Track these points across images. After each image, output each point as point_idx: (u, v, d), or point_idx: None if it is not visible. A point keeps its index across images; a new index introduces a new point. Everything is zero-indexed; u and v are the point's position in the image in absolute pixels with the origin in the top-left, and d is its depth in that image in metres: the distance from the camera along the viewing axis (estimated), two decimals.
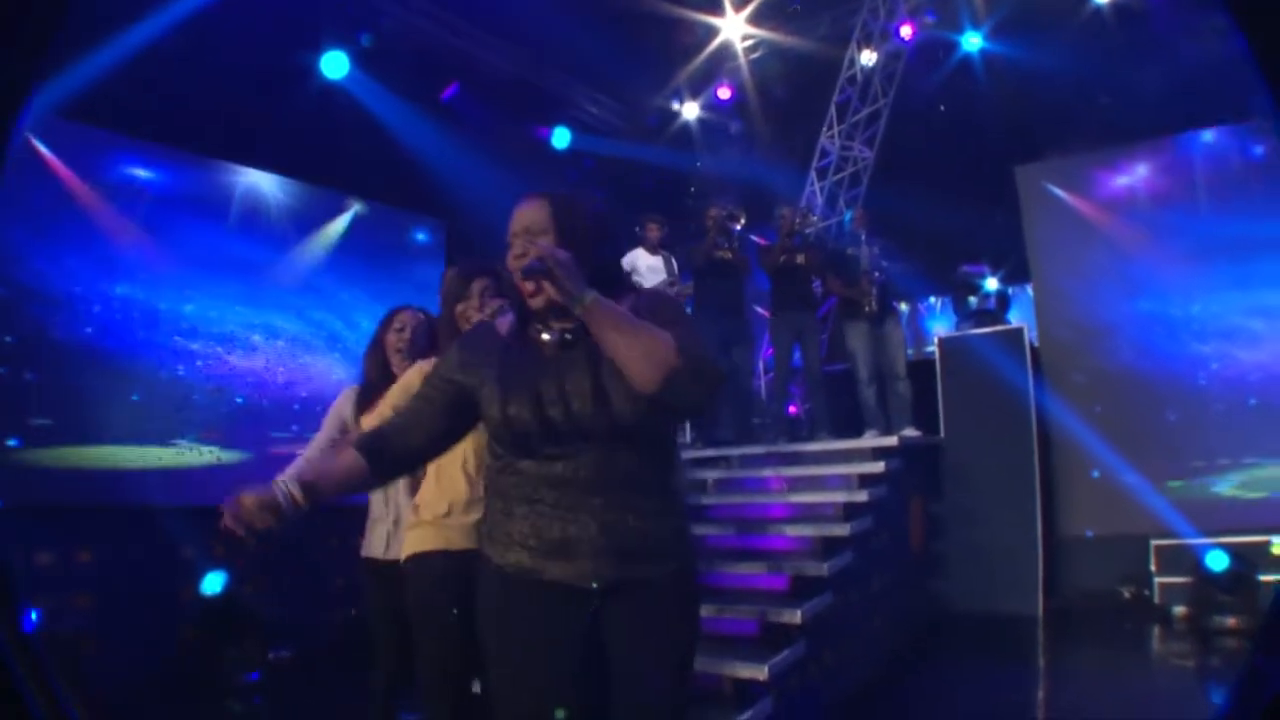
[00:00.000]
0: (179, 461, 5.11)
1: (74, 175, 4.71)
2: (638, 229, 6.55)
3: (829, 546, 4.48)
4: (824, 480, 5.22)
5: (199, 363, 5.31)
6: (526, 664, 1.62)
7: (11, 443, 4.36)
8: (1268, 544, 5.63)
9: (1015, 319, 7.17)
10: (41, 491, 4.41)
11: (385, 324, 3.07)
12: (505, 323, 1.78)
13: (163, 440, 5.05)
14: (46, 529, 4.35)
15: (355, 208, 6.28)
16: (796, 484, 5.26)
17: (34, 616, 4.11)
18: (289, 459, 5.27)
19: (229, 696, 4.55)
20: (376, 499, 2.94)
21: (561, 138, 8.50)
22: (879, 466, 5.06)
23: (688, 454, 5.83)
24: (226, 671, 4.63)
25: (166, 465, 5.04)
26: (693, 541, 1.79)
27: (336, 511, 2.74)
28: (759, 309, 7.30)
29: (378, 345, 3.04)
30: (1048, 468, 6.42)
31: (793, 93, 8.25)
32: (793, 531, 4.66)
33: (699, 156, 9.08)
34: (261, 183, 5.76)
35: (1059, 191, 6.88)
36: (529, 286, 1.63)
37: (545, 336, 1.69)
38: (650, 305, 1.70)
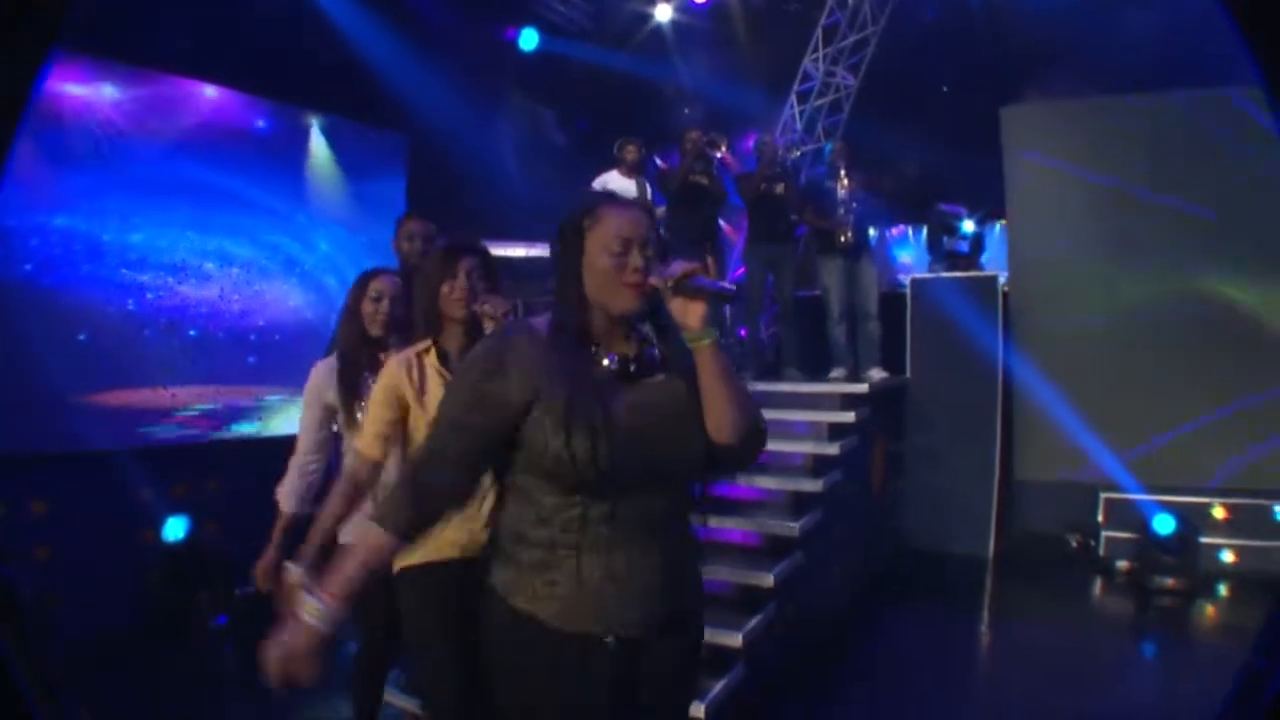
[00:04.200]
0: (131, 401, 4.99)
1: None
2: (615, 150, 6.40)
3: (799, 502, 4.64)
4: (793, 426, 5.32)
5: (149, 295, 5.10)
6: (550, 699, 1.57)
7: None
8: (1209, 506, 5.98)
9: (989, 258, 7.27)
10: None
11: (359, 291, 2.87)
12: (541, 329, 1.60)
13: (113, 380, 4.90)
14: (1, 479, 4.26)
15: (313, 122, 5.95)
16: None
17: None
18: (246, 407, 5.22)
19: (198, 642, 4.63)
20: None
21: (529, 39, 8.09)
22: (849, 416, 5.17)
23: None
24: (194, 616, 4.70)
25: (119, 406, 4.91)
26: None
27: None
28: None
29: (354, 316, 2.85)
30: (1009, 411, 6.66)
31: (774, 3, 7.93)
32: (763, 483, 4.79)
33: (672, 65, 8.74)
34: (212, 98, 5.39)
35: (1042, 135, 6.83)
36: (641, 303, 1.54)
37: (605, 362, 1.57)
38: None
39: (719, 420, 1.55)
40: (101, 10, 4.51)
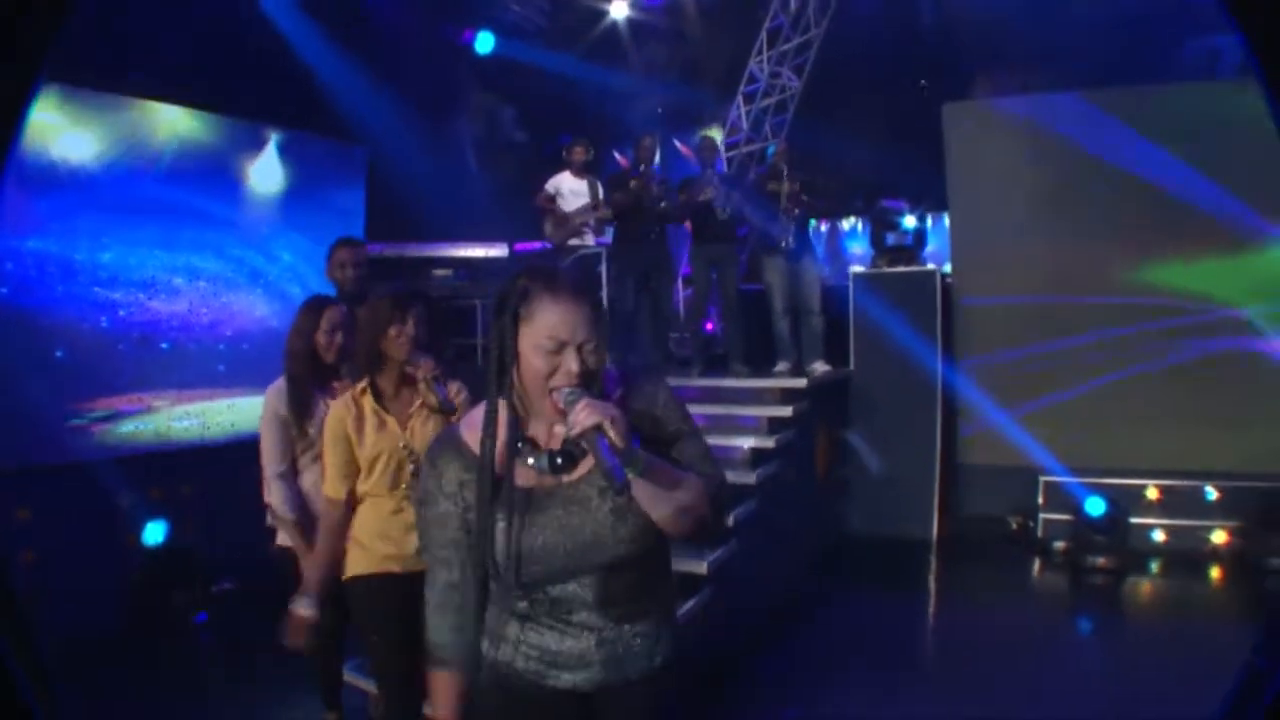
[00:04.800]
0: (109, 412, 5.31)
1: None
2: (564, 151, 6.73)
3: (737, 494, 5.03)
4: (738, 420, 5.71)
5: (121, 311, 5.41)
6: None
7: None
8: (1142, 487, 6.34)
9: (932, 250, 7.65)
10: None
11: (312, 321, 3.09)
12: (468, 441, 1.58)
13: (91, 393, 5.23)
14: None
15: (273, 138, 6.23)
16: (710, 424, 5.75)
17: None
18: (218, 413, 5.50)
19: (179, 637, 5.00)
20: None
21: (485, 43, 8.34)
22: (787, 411, 5.57)
23: None
24: (175, 615, 5.06)
25: (97, 417, 5.24)
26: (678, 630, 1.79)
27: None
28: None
29: (307, 344, 3.08)
30: (953, 397, 7.05)
31: (724, 2, 8.21)
32: None
33: (627, 62, 9.02)
34: (173, 119, 5.67)
35: (982, 131, 7.17)
36: (564, 413, 1.44)
37: (530, 461, 1.51)
38: (670, 417, 1.63)
39: (661, 523, 1.54)
40: (66, 38, 4.76)
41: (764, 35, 7.54)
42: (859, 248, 8.74)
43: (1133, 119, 6.73)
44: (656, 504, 1.50)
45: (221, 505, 5.55)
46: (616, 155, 9.55)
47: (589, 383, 1.48)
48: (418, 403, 2.72)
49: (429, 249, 7.53)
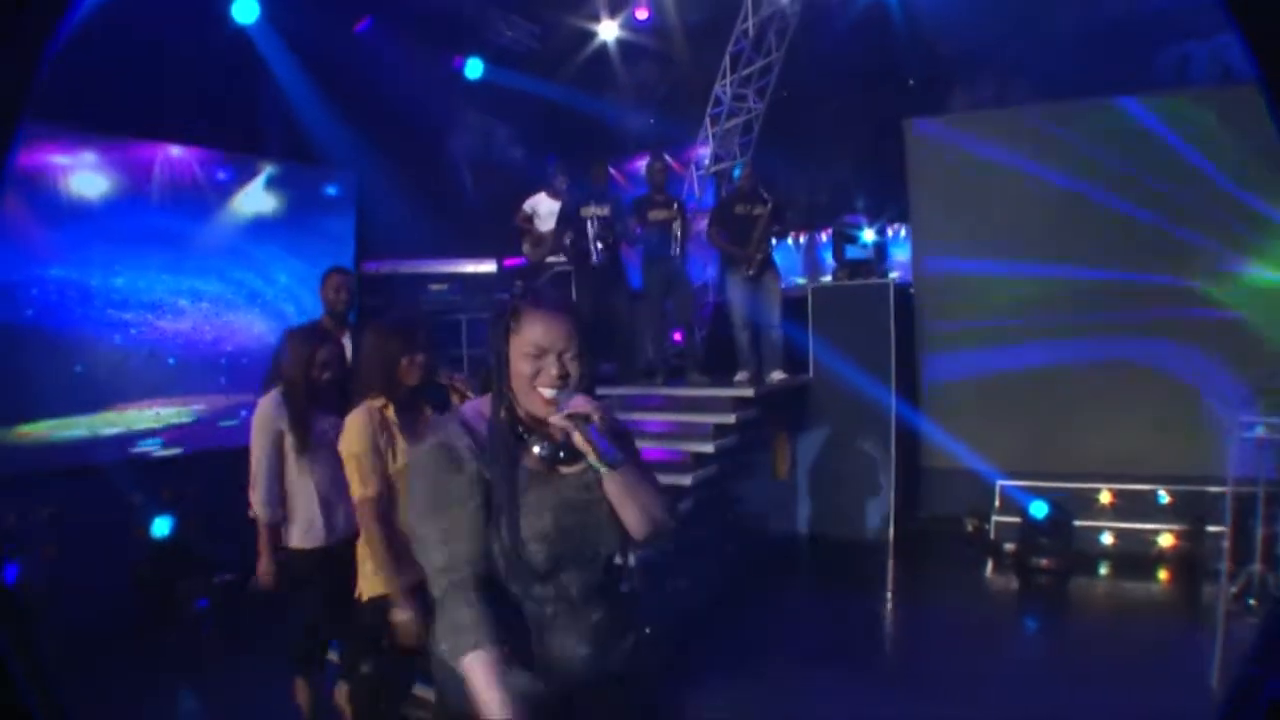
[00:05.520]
0: (122, 421, 6.05)
1: None
2: (550, 172, 7.27)
3: (674, 495, 5.56)
4: (691, 426, 6.24)
5: (132, 330, 6.16)
6: None
7: None
8: (1096, 491, 6.62)
9: (904, 256, 8.08)
10: (3, 460, 5.36)
11: (306, 353, 3.41)
12: (476, 422, 1.73)
13: (106, 404, 5.97)
14: (10, 495, 5.35)
15: (267, 170, 6.92)
16: (665, 430, 6.29)
17: (11, 571, 5.19)
18: (220, 421, 6.16)
19: (182, 623, 5.71)
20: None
21: (474, 68, 8.93)
22: (731, 418, 6.08)
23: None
24: (178, 601, 5.77)
25: (112, 425, 5.98)
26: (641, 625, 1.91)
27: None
28: None
29: (304, 373, 3.39)
30: (914, 403, 7.46)
31: (706, 22, 8.67)
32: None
33: (616, 82, 9.53)
34: (175, 156, 6.39)
35: (941, 146, 7.53)
36: (566, 422, 1.61)
37: (536, 450, 1.68)
38: (616, 434, 1.74)
39: (627, 522, 1.70)
40: (76, 88, 5.45)
41: (727, 59, 8.01)
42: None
43: (1089, 132, 7.06)
44: (628, 501, 1.67)
45: (223, 504, 6.21)
46: (612, 171, 10.08)
47: (573, 385, 1.66)
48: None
49: (423, 265, 8.16)
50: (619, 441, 1.68)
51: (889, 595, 6.27)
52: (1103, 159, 6.97)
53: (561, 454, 1.66)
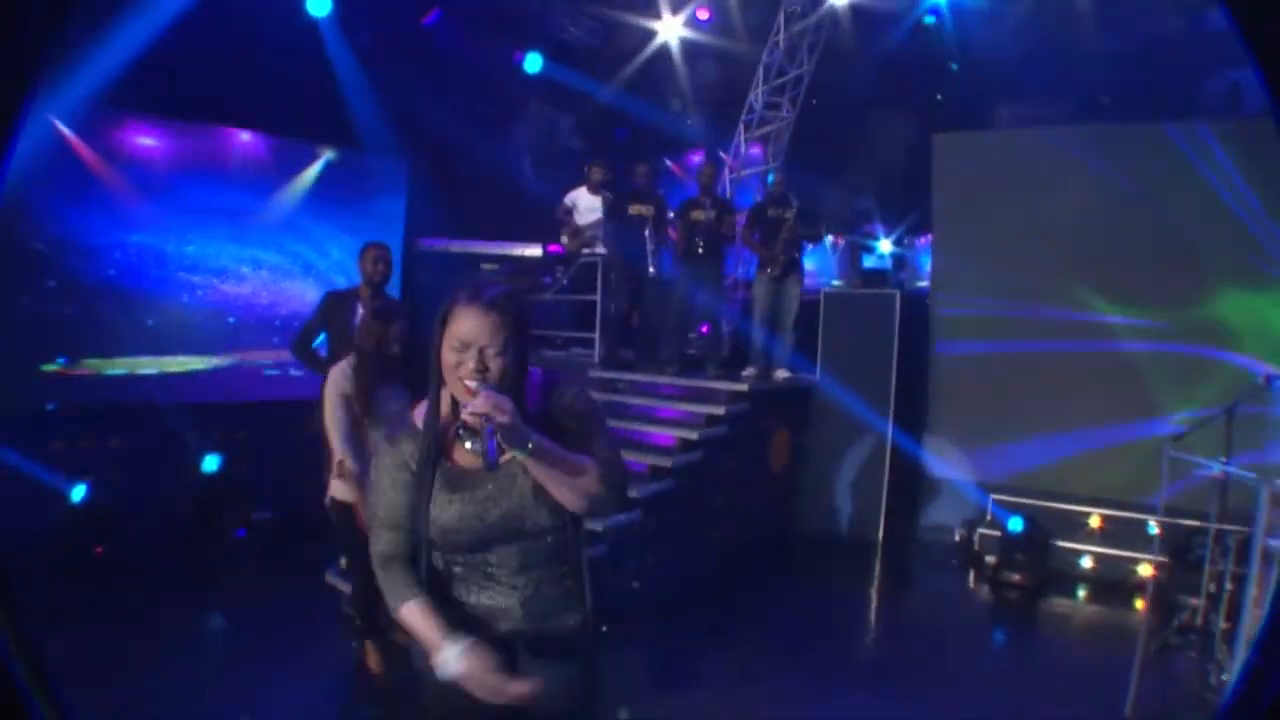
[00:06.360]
0: (185, 368, 7.02)
1: (91, 150, 6.35)
2: (585, 168, 7.85)
3: (654, 474, 6.11)
4: (688, 415, 6.75)
5: (199, 292, 7.11)
6: (455, 705, 1.84)
7: (60, 361, 6.31)
8: (1087, 515, 6.79)
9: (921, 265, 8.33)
10: (81, 395, 6.39)
11: (382, 327, 3.77)
12: (417, 423, 1.91)
13: (171, 352, 6.94)
14: (86, 424, 6.37)
15: (326, 155, 7.77)
16: (668, 417, 6.82)
17: (82, 489, 6.19)
18: (270, 375, 7.02)
19: (224, 547, 6.64)
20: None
21: (533, 63, 9.56)
22: (721, 410, 6.58)
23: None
24: (221, 529, 6.71)
25: (176, 371, 6.96)
26: (592, 596, 2.03)
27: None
28: None
29: (377, 344, 3.76)
30: (925, 413, 7.76)
31: (760, 24, 9.04)
32: (634, 457, 6.26)
33: (672, 82, 9.97)
34: (245, 141, 7.29)
35: (967, 161, 7.74)
36: (472, 418, 1.72)
37: (468, 445, 1.85)
38: (576, 412, 1.94)
39: (558, 497, 1.84)
40: (161, 81, 6.38)
41: (760, 70, 8.39)
42: (873, 263, 9.47)
43: (1121, 156, 7.13)
44: (551, 481, 1.81)
45: (268, 447, 7.14)
46: (669, 163, 10.60)
47: (493, 380, 1.76)
48: None
49: (474, 245, 8.88)
50: (526, 432, 1.74)
51: (862, 594, 6.65)
52: (1131, 184, 7.02)
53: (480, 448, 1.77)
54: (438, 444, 1.87)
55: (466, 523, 1.83)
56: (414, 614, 1.83)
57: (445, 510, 1.84)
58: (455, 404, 1.82)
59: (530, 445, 1.73)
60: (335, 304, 5.23)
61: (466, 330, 1.77)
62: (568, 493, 1.83)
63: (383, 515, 1.90)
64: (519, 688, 1.77)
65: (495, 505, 1.84)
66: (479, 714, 1.81)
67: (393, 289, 5.59)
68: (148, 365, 6.80)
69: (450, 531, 1.84)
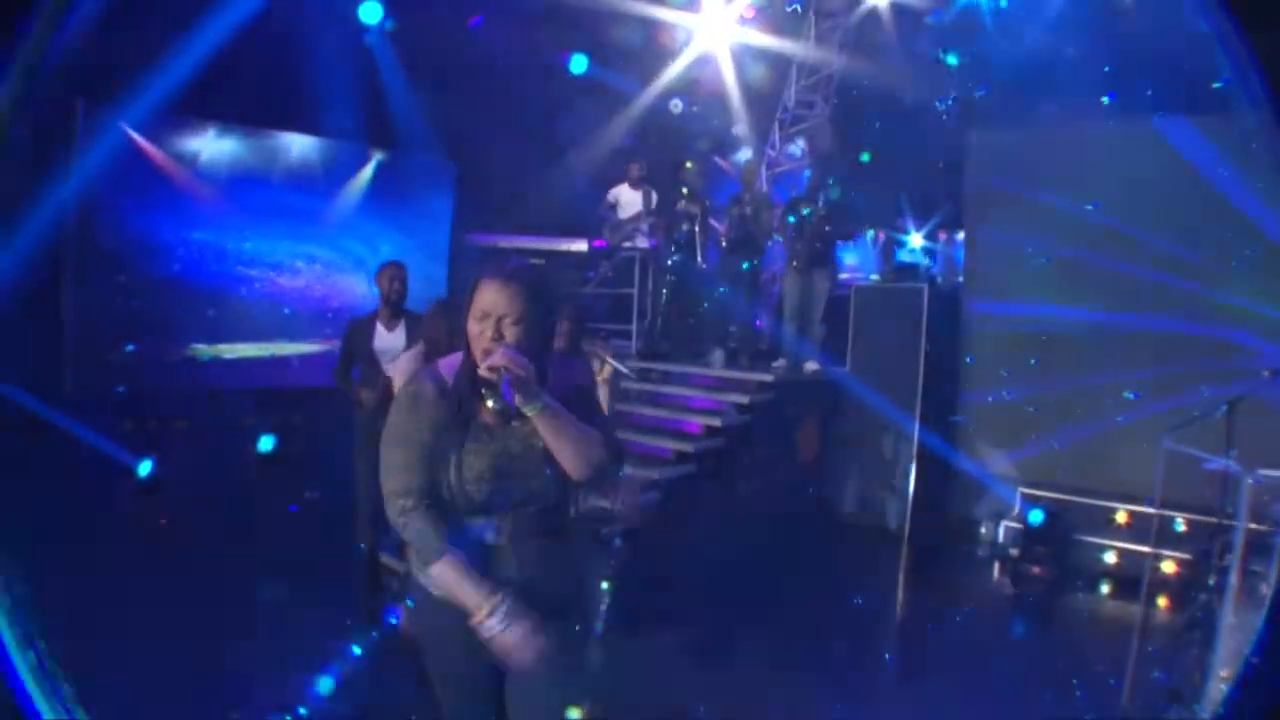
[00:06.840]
0: (243, 355, 7.57)
1: (160, 152, 6.92)
2: (626, 166, 8.17)
3: (678, 458, 6.40)
4: (714, 404, 7.03)
5: (257, 285, 7.68)
6: (457, 668, 2.02)
7: (129, 348, 6.90)
8: (1113, 510, 6.72)
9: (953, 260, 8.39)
10: (148, 379, 6.96)
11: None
12: (446, 376, 2.01)
13: (230, 340, 7.48)
14: (154, 405, 6.94)
15: (378, 157, 8.25)
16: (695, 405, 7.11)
17: (149, 465, 6.75)
18: (321, 363, 7.47)
19: (275, 520, 7.13)
20: None
21: (579, 64, 9.86)
22: (745, 399, 6.83)
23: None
24: (273, 505, 7.20)
25: (234, 357, 7.50)
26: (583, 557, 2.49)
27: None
28: None
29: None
30: (957, 406, 7.83)
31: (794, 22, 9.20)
32: (657, 442, 6.56)
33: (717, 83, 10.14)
34: (300, 144, 7.80)
35: (1005, 159, 7.73)
36: (489, 372, 1.84)
37: (490, 404, 1.97)
38: (577, 389, 2.09)
39: (564, 464, 1.96)
40: (219, 86, 6.86)
41: (794, 69, 8.56)
42: (907, 257, 9.54)
43: (1158, 154, 7.10)
44: (557, 441, 1.92)
45: (320, 429, 7.58)
46: (719, 160, 10.81)
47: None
48: None
49: (522, 240, 9.25)
50: (539, 391, 1.88)
51: (885, 584, 6.75)
52: (1167, 184, 6.98)
53: (514, 408, 1.91)
54: (462, 405, 1.97)
55: (482, 480, 1.94)
56: (449, 570, 1.92)
57: (465, 466, 1.94)
58: (474, 372, 1.94)
59: (542, 404, 1.87)
60: (356, 330, 5.37)
61: (487, 301, 1.90)
62: (571, 457, 1.94)
63: (396, 464, 1.97)
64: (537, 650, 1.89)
65: (509, 467, 1.96)
66: (481, 667, 1.97)
67: (438, 285, 5.91)
68: (208, 352, 7.35)
69: (468, 484, 1.94)
